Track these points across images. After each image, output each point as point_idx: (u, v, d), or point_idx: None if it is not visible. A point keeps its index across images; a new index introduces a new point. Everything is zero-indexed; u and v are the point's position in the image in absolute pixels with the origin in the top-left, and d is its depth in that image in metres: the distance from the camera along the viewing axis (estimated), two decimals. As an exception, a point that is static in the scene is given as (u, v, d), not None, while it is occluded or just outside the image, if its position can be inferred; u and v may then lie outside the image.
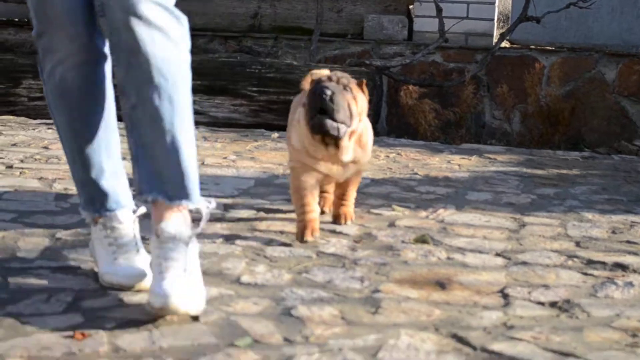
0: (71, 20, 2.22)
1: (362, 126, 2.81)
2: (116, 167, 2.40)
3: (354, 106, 2.69)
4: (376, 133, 5.51)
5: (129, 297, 2.21)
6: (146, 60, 2.11)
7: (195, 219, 2.18)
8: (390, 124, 5.99)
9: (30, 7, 2.23)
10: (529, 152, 4.89)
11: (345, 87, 2.68)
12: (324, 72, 2.84)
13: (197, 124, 5.21)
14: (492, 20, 6.07)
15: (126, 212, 2.38)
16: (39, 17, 2.24)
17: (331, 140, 2.71)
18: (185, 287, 2.03)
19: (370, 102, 5.35)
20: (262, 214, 3.11)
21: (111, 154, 2.38)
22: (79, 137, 2.34)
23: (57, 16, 2.21)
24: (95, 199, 2.36)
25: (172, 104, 2.14)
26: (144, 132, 2.16)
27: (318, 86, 2.67)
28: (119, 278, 2.29)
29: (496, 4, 6.11)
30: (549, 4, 5.61)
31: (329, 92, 2.61)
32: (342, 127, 2.66)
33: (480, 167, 4.23)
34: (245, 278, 2.38)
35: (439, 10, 5.97)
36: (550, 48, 5.84)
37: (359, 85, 2.78)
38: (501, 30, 6.16)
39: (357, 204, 3.27)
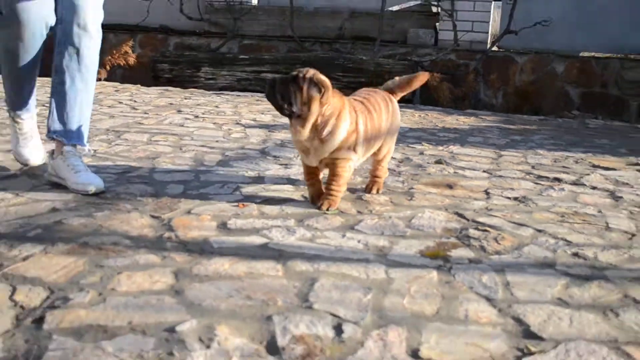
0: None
1: (328, 119, 2.05)
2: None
3: (297, 96, 2.02)
4: (413, 103, 5.65)
5: (270, 187, 2.37)
6: (81, 57, 2.19)
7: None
8: (423, 97, 6.03)
9: None
10: (507, 116, 4.90)
11: (295, 80, 2.03)
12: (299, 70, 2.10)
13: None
14: (487, 33, 6.03)
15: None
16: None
17: (291, 123, 2.07)
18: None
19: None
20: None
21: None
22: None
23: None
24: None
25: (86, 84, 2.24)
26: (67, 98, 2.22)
27: (276, 76, 2.10)
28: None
29: (490, 23, 6.06)
30: (524, 22, 5.58)
31: (271, 79, 2.08)
32: (286, 108, 2.02)
33: (476, 124, 4.28)
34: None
35: (454, 26, 5.99)
36: (523, 51, 5.82)
37: (320, 85, 2.05)
38: (493, 39, 6.12)
39: (401, 141, 3.38)
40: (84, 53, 2.21)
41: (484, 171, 2.81)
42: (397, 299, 1.45)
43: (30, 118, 2.51)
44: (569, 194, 2.47)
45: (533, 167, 2.95)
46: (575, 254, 1.80)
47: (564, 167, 2.99)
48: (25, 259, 1.60)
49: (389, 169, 2.65)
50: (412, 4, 6.56)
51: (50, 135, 2.26)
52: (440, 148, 3.31)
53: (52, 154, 2.31)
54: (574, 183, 2.66)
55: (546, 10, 6.04)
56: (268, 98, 2.05)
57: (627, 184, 2.70)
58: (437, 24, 6.31)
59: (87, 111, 2.31)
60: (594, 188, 2.59)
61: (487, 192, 2.44)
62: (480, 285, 1.55)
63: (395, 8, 6.56)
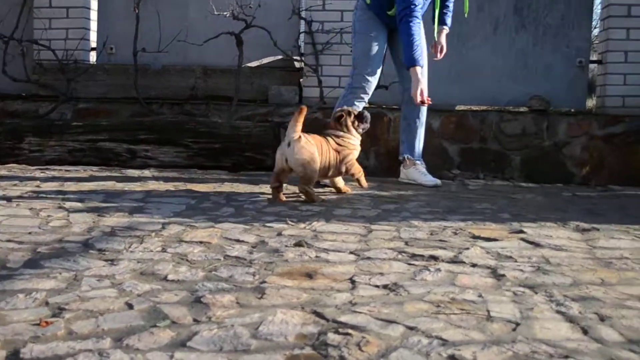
0: None
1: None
2: None
3: None
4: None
5: (87, 293, 2.13)
6: None
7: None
8: (287, 162, 5.97)
9: None
10: (379, 179, 4.90)
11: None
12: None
13: (149, 166, 5.17)
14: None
15: None
16: None
17: None
18: None
19: (271, 147, 5.39)
20: (188, 230, 3.05)
21: None
22: None
23: None
24: None
25: None
26: None
27: None
28: None
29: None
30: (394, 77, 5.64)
31: None
32: None
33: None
34: (171, 276, 2.33)
35: (320, 82, 6.01)
36: (394, 107, 5.89)
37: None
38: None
39: (257, 219, 3.25)
40: None
41: (351, 252, 2.70)
42: None
43: None
44: (445, 276, 2.38)
45: (407, 243, 2.87)
46: (452, 357, 1.67)
47: (440, 240, 2.93)
48: None
49: (238, 257, 2.55)
50: (272, 59, 6.54)
51: None
52: (303, 225, 3.18)
53: None
54: (452, 261, 2.59)
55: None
56: None
57: (510, 257, 2.66)
58: (300, 80, 6.31)
59: None
60: (474, 266, 2.53)
61: (352, 281, 2.31)
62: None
63: (254, 64, 6.52)
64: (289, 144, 3.83)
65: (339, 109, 4.32)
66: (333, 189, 4.23)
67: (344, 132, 4.16)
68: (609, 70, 6.09)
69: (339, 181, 4.22)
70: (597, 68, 6.86)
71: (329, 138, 4.10)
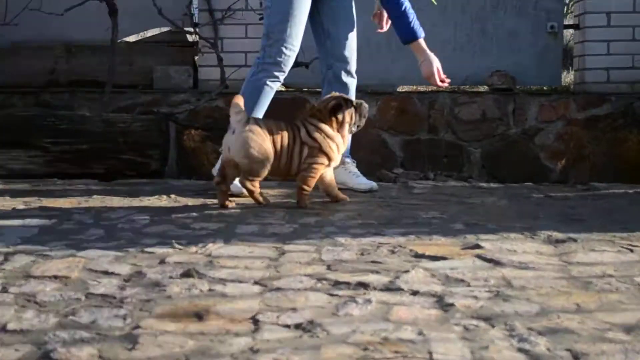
0: None
1: None
2: None
3: None
4: (166, 175, 5.49)
5: None
6: None
7: None
8: (180, 165, 5.92)
9: None
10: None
11: None
12: None
13: (-6, 177, 5.04)
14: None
15: None
16: None
17: None
18: None
19: (157, 146, 5.36)
20: (40, 260, 2.96)
21: None
22: None
23: None
24: None
25: None
26: None
27: None
28: None
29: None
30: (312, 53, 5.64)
31: None
32: None
33: (252, 201, 4.18)
34: (11, 325, 2.24)
35: (220, 59, 5.98)
36: (318, 89, 5.88)
37: None
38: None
39: (133, 243, 3.21)
40: None
41: (256, 282, 2.67)
42: None
43: None
44: (377, 309, 2.38)
45: (329, 267, 2.86)
46: (381, 417, 1.66)
47: (373, 262, 2.93)
48: None
49: (105, 296, 2.51)
50: (157, 31, 6.48)
51: None
52: (194, 249, 3.14)
53: None
54: (387, 288, 2.59)
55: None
56: None
57: (461, 280, 2.68)
58: (195, 58, 6.28)
59: None
60: (414, 293, 2.53)
61: (255, 320, 2.29)
62: None
63: (133, 38, 6.45)
64: (233, 131, 3.94)
65: (334, 95, 4.23)
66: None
67: (326, 124, 4.10)
68: (589, 36, 6.23)
69: (332, 187, 4.22)
70: (573, 34, 7.01)
71: (301, 126, 4.08)
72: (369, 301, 2.45)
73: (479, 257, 3.00)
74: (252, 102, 4.37)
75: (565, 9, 6.93)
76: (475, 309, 2.37)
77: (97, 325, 2.25)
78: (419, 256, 3.01)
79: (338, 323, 2.26)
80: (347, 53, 4.68)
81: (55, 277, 2.74)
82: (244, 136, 3.90)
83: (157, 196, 4.38)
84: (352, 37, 4.69)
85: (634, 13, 6.18)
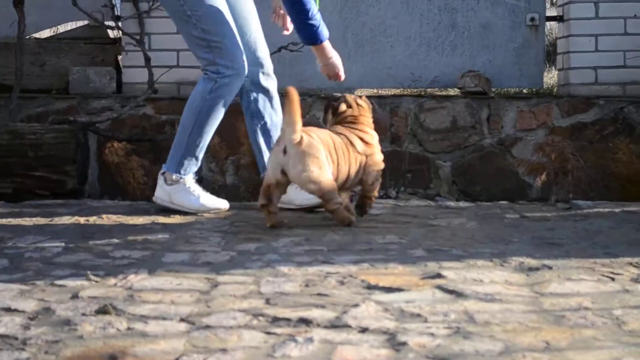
0: None
1: None
2: None
3: None
4: (85, 195, 5.50)
5: None
6: None
7: None
8: (102, 183, 5.92)
9: None
10: (240, 205, 4.92)
11: None
12: None
13: None
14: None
15: None
16: None
17: None
18: None
19: (74, 161, 5.37)
20: None
21: None
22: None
23: None
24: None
25: None
26: None
27: None
28: None
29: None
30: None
31: None
32: None
33: (185, 224, 4.21)
34: None
35: (147, 59, 5.97)
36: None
37: None
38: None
39: (44, 274, 3.23)
40: None
41: (182, 319, 2.71)
42: None
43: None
44: (320, 349, 2.42)
45: (268, 300, 2.91)
46: None
47: (319, 295, 2.98)
48: None
49: (5, 337, 2.53)
50: (72, 26, 6.49)
51: None
52: (113, 281, 3.17)
53: None
54: (332, 325, 2.64)
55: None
56: None
57: (417, 315, 2.73)
58: (118, 57, 6.29)
59: None
60: (363, 331, 2.58)
61: (179, 363, 2.33)
62: None
63: (44, 34, 6.45)
64: (284, 150, 3.93)
65: (337, 95, 4.45)
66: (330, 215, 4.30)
67: (368, 127, 4.31)
68: (574, 30, 6.28)
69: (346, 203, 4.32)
70: (557, 28, 7.08)
71: (353, 135, 4.20)
72: (310, 340, 2.49)
73: (439, 288, 3.06)
74: (208, 119, 4.52)
75: (547, -2, 6.97)
76: (431, 348, 2.42)
77: (-4, 373, 2.28)
78: (371, 287, 3.06)
79: (273, 366, 2.31)
80: (259, 54, 4.75)
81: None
82: (305, 154, 3.94)
83: (73, 219, 4.39)
84: (260, 34, 4.76)
85: (626, 2, 6.21)
